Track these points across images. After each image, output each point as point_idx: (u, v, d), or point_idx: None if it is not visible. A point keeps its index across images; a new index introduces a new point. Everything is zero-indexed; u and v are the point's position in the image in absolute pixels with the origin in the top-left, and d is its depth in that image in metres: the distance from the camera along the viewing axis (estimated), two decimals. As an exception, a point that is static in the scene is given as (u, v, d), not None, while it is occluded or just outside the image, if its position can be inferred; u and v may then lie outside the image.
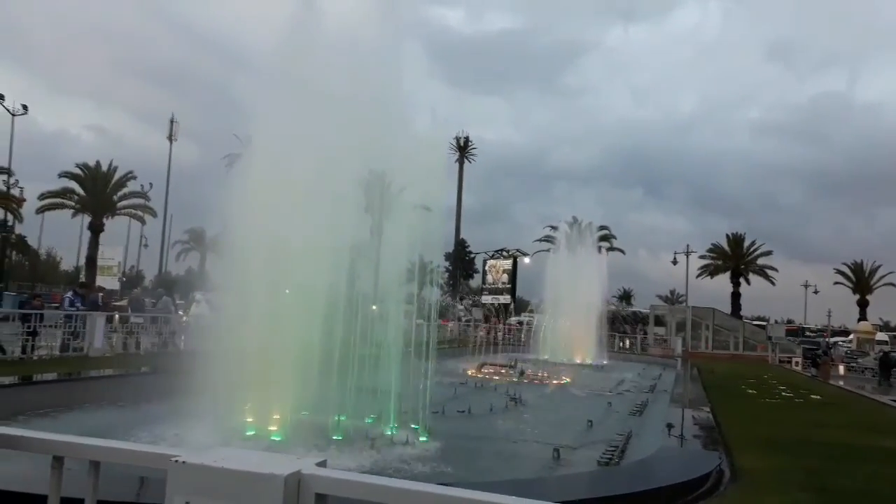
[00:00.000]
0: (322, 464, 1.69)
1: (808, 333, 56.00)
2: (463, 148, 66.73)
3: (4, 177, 42.68)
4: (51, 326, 16.74)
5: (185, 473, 1.62)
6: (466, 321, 42.67)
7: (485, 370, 18.67)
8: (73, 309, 17.37)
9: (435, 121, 12.23)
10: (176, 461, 1.64)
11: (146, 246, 61.10)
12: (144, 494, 3.88)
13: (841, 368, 33.08)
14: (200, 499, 1.60)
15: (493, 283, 55.03)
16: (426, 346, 11.31)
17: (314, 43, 9.56)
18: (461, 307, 54.31)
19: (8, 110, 41.15)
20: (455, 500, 1.51)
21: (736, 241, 58.49)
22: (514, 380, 17.22)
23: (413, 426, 8.95)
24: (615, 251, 57.83)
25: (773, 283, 57.99)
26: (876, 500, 6.11)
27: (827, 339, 42.61)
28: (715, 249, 59.00)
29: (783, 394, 16.73)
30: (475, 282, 63.66)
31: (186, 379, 7.97)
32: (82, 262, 53.01)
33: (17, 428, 1.91)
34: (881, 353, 32.88)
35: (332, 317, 8.93)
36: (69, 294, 18.93)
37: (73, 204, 46.94)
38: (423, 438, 8.66)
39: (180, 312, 18.46)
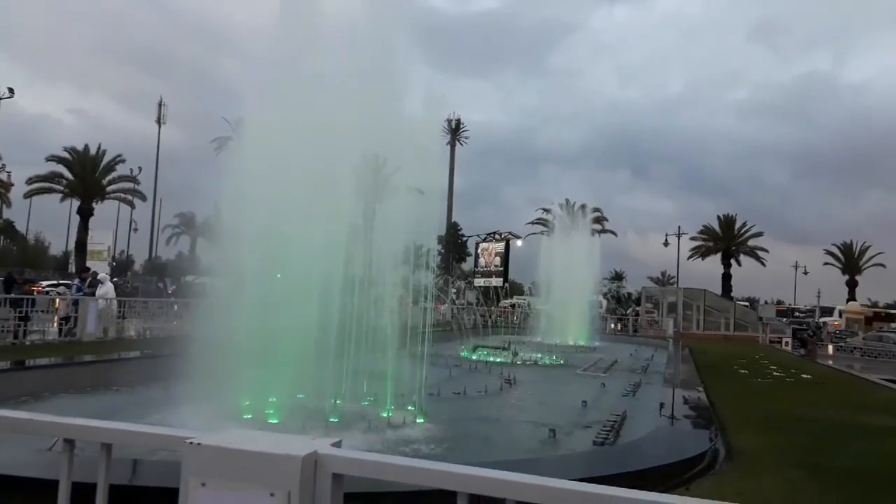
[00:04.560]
0: (337, 444, 1.70)
1: (797, 314, 56.45)
2: (455, 130, 66.51)
3: (-9, 161, 42.21)
4: (43, 311, 16.76)
5: (201, 455, 1.62)
6: (460, 304, 42.75)
7: (479, 352, 18.73)
8: (80, 294, 17.62)
9: (428, 102, 12.11)
10: (191, 443, 1.64)
11: (136, 230, 60.60)
12: (157, 477, 3.88)
13: (830, 348, 33.50)
14: (217, 480, 1.60)
15: (486, 267, 55.13)
16: (421, 328, 11.35)
17: (304, 25, 9.48)
18: (454, 290, 54.39)
19: (-7, 94, 40.66)
20: (471, 479, 1.52)
21: (727, 222, 58.69)
22: (508, 362, 17.31)
23: (409, 408, 8.99)
24: (607, 233, 58.07)
25: (763, 265, 58.42)
26: (867, 477, 6.20)
27: (817, 320, 42.99)
28: (706, 231, 59.23)
29: (774, 373, 16.90)
30: (467, 265, 63.74)
31: (182, 363, 7.98)
32: (71, 246, 52.67)
33: (26, 412, 1.91)
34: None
35: (327, 300, 8.93)
36: (76, 282, 19.36)
37: (61, 188, 46.58)
38: (419, 420, 8.71)
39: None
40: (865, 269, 61.59)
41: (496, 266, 54.43)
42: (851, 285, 61.33)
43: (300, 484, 1.55)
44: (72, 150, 46.58)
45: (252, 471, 1.58)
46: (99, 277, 20.58)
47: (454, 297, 50.82)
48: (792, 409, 10.48)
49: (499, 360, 17.53)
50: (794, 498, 5.26)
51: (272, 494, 1.57)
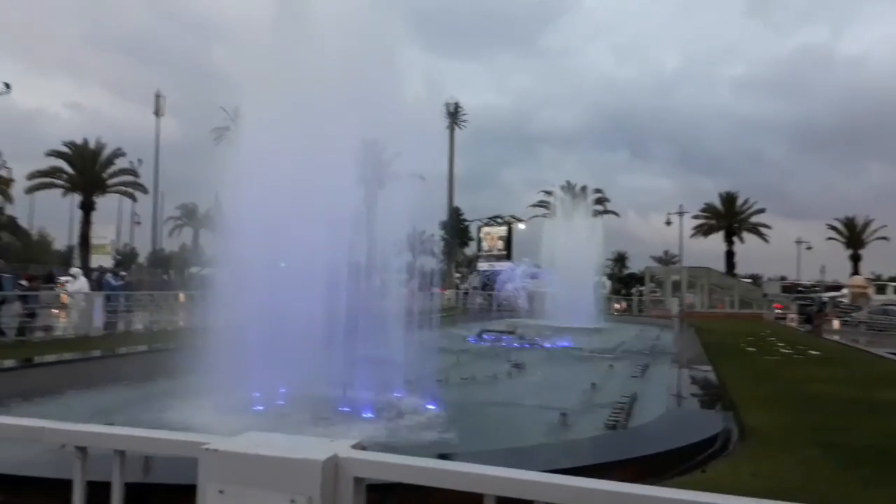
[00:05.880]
0: (357, 445, 1.65)
1: (800, 289, 56.38)
2: (453, 114, 66.04)
3: (-9, 157, 42.10)
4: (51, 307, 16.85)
5: (218, 461, 1.57)
6: (464, 289, 42.76)
7: (485, 336, 18.73)
8: (118, 288, 18.23)
9: (428, 86, 11.99)
10: (207, 449, 1.59)
11: (139, 223, 60.75)
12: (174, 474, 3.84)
13: (835, 323, 33.43)
14: (235, 487, 1.55)
15: (489, 251, 55.02)
16: (428, 314, 11.33)
17: (299, 12, 9.38)
18: (458, 275, 54.43)
19: (-10, 90, 40.44)
20: (499, 481, 1.47)
21: (729, 199, 58.51)
22: (515, 345, 17.30)
23: (419, 395, 8.97)
24: (609, 214, 57.87)
25: (766, 241, 58.26)
26: (885, 454, 6.14)
27: (822, 296, 42.94)
28: (708, 209, 59.04)
29: (782, 350, 16.86)
30: (470, 249, 63.65)
31: (191, 356, 7.96)
32: (75, 241, 52.73)
33: (38, 419, 1.86)
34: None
35: (333, 288, 8.89)
36: (108, 276, 19.85)
37: (62, 183, 46.49)
38: (429, 407, 8.68)
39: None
40: (869, 242, 61.40)
41: (499, 250, 54.30)
42: (855, 259, 61.17)
43: (321, 489, 1.51)
44: (71, 145, 46.46)
45: (271, 477, 1.53)
46: (71, 272, 20.35)
47: (458, 281, 50.85)
48: (803, 386, 10.44)
49: (505, 343, 17.53)
50: (812, 477, 5.22)
51: (292, 501, 1.52)
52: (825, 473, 5.39)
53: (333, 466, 1.54)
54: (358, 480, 1.57)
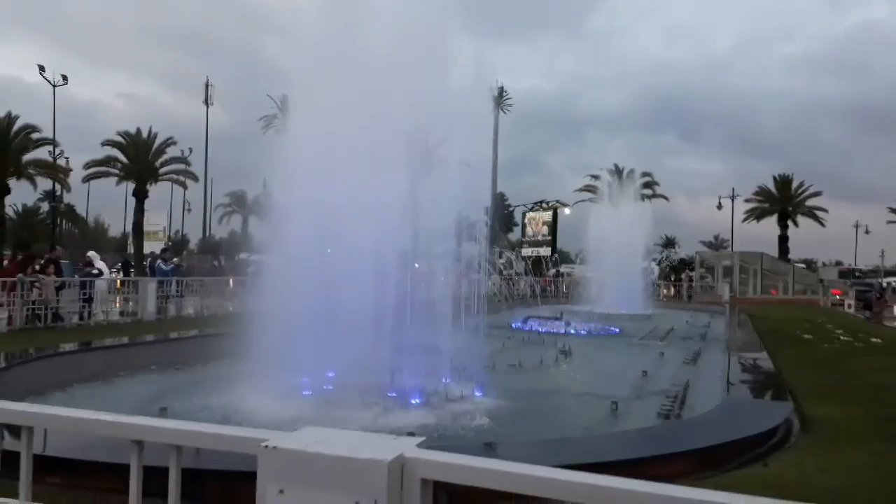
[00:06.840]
0: (422, 444, 1.55)
1: (857, 274, 54.37)
2: (498, 98, 65.39)
3: (49, 147, 43.49)
4: (109, 292, 17.32)
5: (278, 460, 1.49)
6: (509, 275, 42.45)
7: (531, 323, 18.55)
8: (169, 273, 19.04)
9: (477, 71, 11.79)
10: (266, 447, 1.51)
11: (189, 210, 62.17)
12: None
13: (896, 309, 32.09)
14: (295, 488, 1.47)
15: (534, 236, 54.50)
16: (474, 300, 11.23)
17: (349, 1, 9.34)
18: (502, 260, 54.09)
19: (49, 81, 41.77)
20: (585, 487, 1.35)
21: (783, 182, 56.69)
22: (562, 331, 17.09)
23: (466, 381, 8.90)
24: (658, 198, 56.65)
25: (822, 225, 56.36)
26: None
27: (881, 280, 41.29)
28: (761, 192, 57.33)
29: (841, 338, 16.25)
30: (514, 235, 63.25)
31: (240, 340, 8.04)
32: (129, 228, 54.24)
33: (93, 412, 1.82)
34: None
35: (380, 275, 8.86)
36: (160, 262, 20.29)
37: (117, 171, 47.81)
38: (477, 394, 8.60)
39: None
40: (933, 225, 58.81)
41: (544, 235, 53.75)
42: (918, 243, 58.74)
43: (387, 492, 1.41)
44: (125, 135, 47.68)
45: (334, 477, 1.45)
46: (88, 254, 20.50)
47: (502, 267, 50.54)
48: (866, 375, 10.00)
49: (552, 330, 17.33)
50: (886, 473, 4.95)
51: (357, 503, 1.43)
52: (899, 469, 5.11)
53: (399, 467, 1.45)
54: (425, 482, 1.47)
